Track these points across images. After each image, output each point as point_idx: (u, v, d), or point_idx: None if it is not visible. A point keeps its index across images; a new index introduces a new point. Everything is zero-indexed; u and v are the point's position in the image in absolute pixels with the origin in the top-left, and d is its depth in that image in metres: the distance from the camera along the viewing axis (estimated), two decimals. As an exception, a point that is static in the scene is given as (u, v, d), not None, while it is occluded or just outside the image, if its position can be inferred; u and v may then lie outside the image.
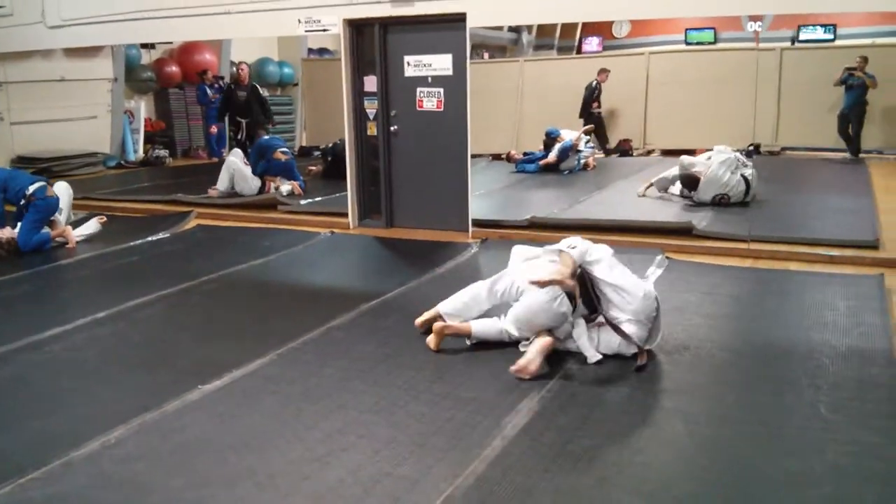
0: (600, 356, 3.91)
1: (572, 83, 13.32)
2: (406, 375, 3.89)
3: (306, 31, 7.43)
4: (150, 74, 14.44)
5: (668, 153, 12.47)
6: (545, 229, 6.95)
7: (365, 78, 7.41)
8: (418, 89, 7.20)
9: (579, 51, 21.71)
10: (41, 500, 2.80)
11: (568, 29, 21.07)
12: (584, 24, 20.72)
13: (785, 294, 5.28)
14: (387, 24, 7.17)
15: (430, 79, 7.14)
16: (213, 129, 13.91)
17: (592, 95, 12.76)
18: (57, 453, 3.10)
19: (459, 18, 6.71)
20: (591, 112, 12.75)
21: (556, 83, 13.62)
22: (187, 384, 3.81)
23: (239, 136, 11.68)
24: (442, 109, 7.15)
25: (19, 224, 6.82)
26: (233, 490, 2.87)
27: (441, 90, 7.11)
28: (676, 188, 8.41)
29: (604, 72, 12.76)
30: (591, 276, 3.94)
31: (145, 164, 13.63)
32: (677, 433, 3.24)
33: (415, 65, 7.17)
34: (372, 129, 7.48)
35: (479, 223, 7.21)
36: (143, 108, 14.42)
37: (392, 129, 7.40)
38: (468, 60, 6.89)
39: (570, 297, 3.92)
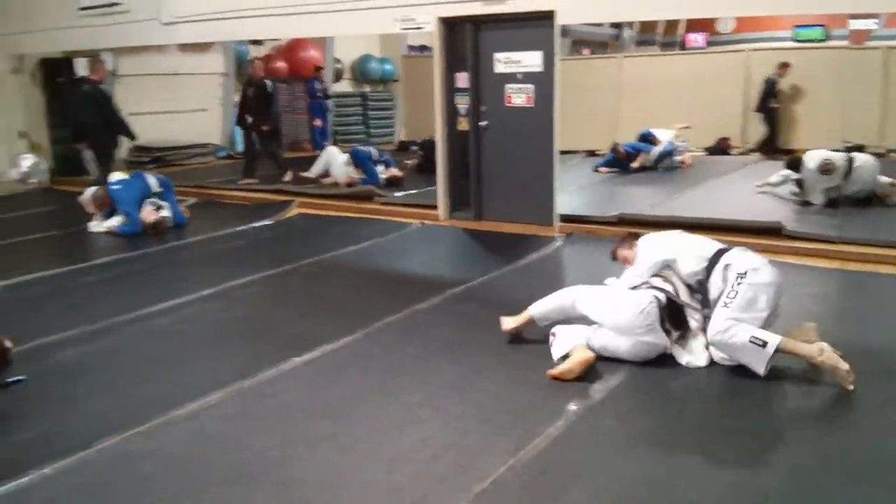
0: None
1: (673, 79, 13.20)
2: (481, 358, 4.11)
3: (402, 29, 7.72)
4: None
5: (768, 153, 12.23)
6: (633, 226, 7.01)
7: (457, 74, 7.64)
8: (507, 86, 7.39)
9: (683, 46, 21.36)
10: (143, 451, 3.17)
11: (672, 24, 20.78)
12: (689, 20, 20.35)
13: (870, 297, 5.24)
14: (479, 21, 7.38)
15: (519, 75, 7.32)
16: (318, 123, 14.46)
17: (771, 90, 12.34)
18: (159, 412, 3.48)
19: (549, 16, 6.85)
20: (769, 107, 12.39)
21: (656, 80, 13.51)
22: (282, 356, 4.16)
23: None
24: (531, 105, 7.31)
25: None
26: (315, 451, 3.16)
27: (531, 86, 7.28)
28: (785, 189, 8.27)
29: (784, 66, 12.27)
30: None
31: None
32: (739, 426, 3.34)
33: (505, 61, 7.36)
34: (463, 125, 7.72)
35: (566, 218, 7.35)
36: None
37: (482, 124, 7.62)
38: (557, 57, 7.03)
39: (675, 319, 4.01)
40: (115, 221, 7.60)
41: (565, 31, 18.97)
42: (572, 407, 3.49)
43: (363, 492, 2.85)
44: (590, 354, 3.85)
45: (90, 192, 7.92)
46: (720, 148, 12.80)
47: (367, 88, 17.14)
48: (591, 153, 13.16)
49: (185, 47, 12.90)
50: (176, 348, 4.43)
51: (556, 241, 6.76)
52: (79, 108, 9.27)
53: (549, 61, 7.12)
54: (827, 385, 3.65)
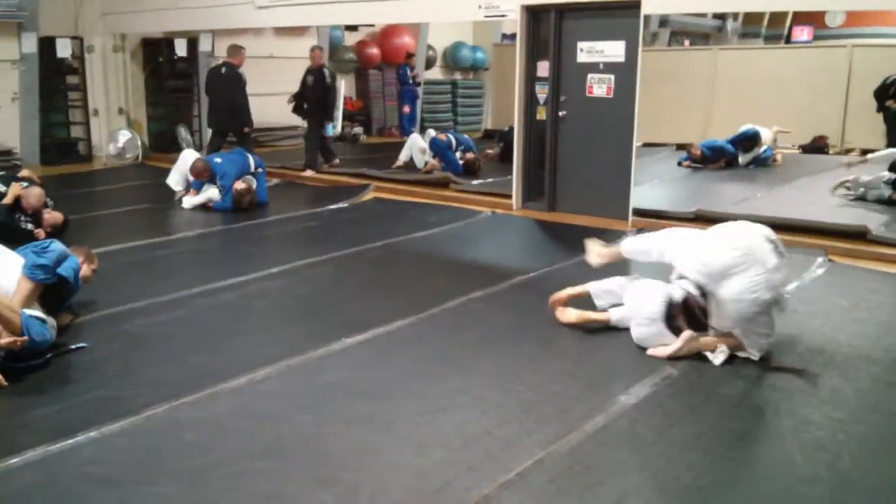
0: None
1: (770, 74, 12.72)
2: (530, 349, 4.09)
3: (485, 16, 7.71)
4: (352, 55, 15.32)
5: (867, 153, 11.64)
6: (711, 223, 6.80)
7: (538, 63, 7.57)
8: (589, 75, 7.28)
9: (788, 40, 20.54)
10: (187, 421, 3.28)
11: (777, 17, 19.98)
12: (796, 13, 19.54)
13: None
14: (563, 9, 7.29)
15: (601, 65, 7.20)
16: (406, 109, 14.59)
17: (887, 91, 11.66)
18: (208, 384, 3.59)
19: (635, 5, 6.71)
20: (886, 107, 11.80)
21: (752, 74, 13.05)
22: (334, 336, 4.23)
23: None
24: (611, 97, 7.19)
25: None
26: (350, 430, 3.21)
27: (612, 77, 7.15)
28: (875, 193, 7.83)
29: None
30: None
31: (342, 139, 14.53)
32: (784, 433, 3.22)
33: (587, 51, 7.25)
34: (541, 114, 7.65)
35: (641, 213, 7.20)
36: (344, 87, 15.32)
37: (561, 114, 7.53)
38: (640, 47, 6.87)
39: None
40: (211, 194, 7.85)
41: (664, 20, 18.56)
42: (615, 403, 3.43)
43: (389, 473, 2.87)
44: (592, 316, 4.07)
45: (189, 156, 8.23)
46: (816, 146, 12.27)
47: (457, 76, 17.17)
48: (682, 146, 12.82)
49: (281, 31, 13.20)
50: (236, 323, 4.56)
51: (626, 236, 6.61)
52: (220, 89, 9.56)
53: (632, 52, 6.98)
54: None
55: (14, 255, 4.07)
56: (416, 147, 10.41)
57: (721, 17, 19.51)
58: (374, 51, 15.44)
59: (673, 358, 3.88)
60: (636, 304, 4.13)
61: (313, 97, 10.10)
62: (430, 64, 16.05)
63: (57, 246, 4.12)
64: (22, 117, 10.89)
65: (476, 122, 16.87)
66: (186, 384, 3.60)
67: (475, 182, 9.22)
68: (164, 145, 12.20)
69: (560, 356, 4.00)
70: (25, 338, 3.66)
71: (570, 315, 4.39)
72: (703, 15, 18.42)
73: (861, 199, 7.85)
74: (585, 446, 3.07)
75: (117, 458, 2.99)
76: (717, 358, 3.86)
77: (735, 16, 19.64)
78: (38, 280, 3.93)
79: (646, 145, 13.02)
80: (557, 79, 7.49)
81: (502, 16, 7.62)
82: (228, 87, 9.46)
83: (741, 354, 3.92)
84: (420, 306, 4.72)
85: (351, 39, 15.50)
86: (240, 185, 7.71)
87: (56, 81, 11.35)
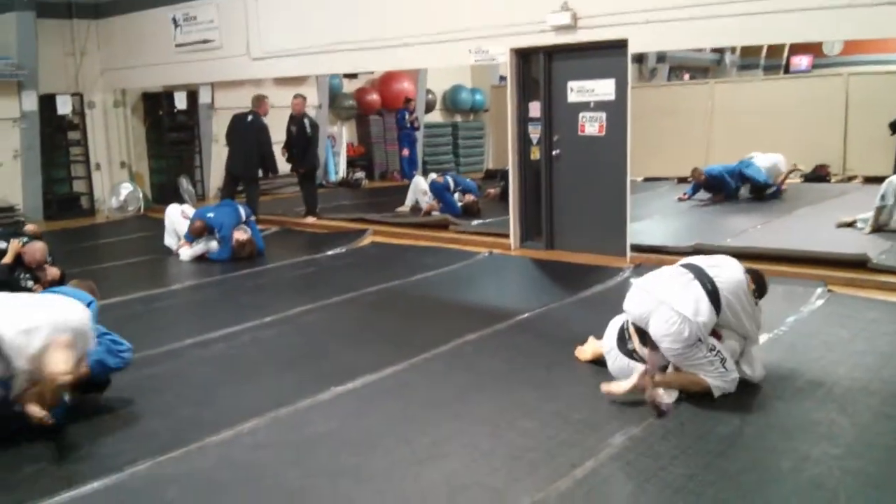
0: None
1: (768, 105, 12.74)
2: (522, 392, 4.01)
3: (476, 61, 7.76)
4: (352, 102, 15.46)
5: (870, 180, 11.57)
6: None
7: (530, 104, 7.59)
8: (581, 114, 7.29)
9: (787, 70, 20.63)
10: (171, 476, 3.23)
11: (776, 47, 20.08)
12: (793, 43, 19.64)
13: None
14: (551, 51, 7.33)
15: (592, 104, 7.21)
16: (406, 153, 14.67)
17: None
18: (195, 438, 3.54)
19: (621, 44, 6.73)
20: None
21: (749, 105, 13.07)
22: (323, 384, 4.17)
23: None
24: (603, 134, 7.18)
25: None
26: (335, 483, 3.14)
27: (603, 115, 7.16)
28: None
29: None
30: None
31: (344, 184, 14.62)
32: (781, 471, 3.12)
33: (578, 90, 7.27)
34: (535, 154, 7.65)
35: (639, 248, 7.15)
36: (345, 133, 15.45)
37: (554, 153, 7.53)
38: (629, 85, 6.89)
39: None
40: (209, 246, 7.87)
41: (661, 56, 18.69)
42: (607, 446, 3.35)
43: (371, 528, 2.81)
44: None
45: (172, 211, 8.31)
46: (818, 175, 12.22)
47: (458, 118, 17.29)
48: (683, 180, 12.82)
49: (280, 81, 13.31)
50: (227, 374, 4.51)
51: (624, 272, 6.57)
52: (243, 136, 9.72)
53: (621, 89, 6.99)
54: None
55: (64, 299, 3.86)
56: (419, 190, 10.43)
57: (719, 50, 19.64)
58: (374, 97, 15.58)
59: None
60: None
61: (298, 145, 10.19)
62: (430, 107, 16.17)
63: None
64: (24, 174, 10.99)
65: (478, 162, 16.93)
66: (172, 438, 3.55)
67: (474, 223, 9.21)
68: (166, 196, 12.24)
69: (552, 399, 3.92)
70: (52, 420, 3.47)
71: (586, 353, 4.38)
72: (701, 49, 18.53)
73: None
74: (576, 492, 2.99)
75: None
76: (665, 398, 3.76)
77: (733, 49, 19.76)
78: (92, 374, 3.80)
79: (647, 180, 13.05)
80: (549, 118, 7.51)
81: (492, 60, 7.66)
82: (254, 136, 9.64)
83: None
84: (412, 351, 4.66)
85: (351, 86, 15.65)
86: (241, 236, 7.72)
87: (57, 137, 11.48)
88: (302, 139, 10.19)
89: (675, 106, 13.45)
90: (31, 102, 10.82)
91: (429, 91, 15.90)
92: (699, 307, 3.69)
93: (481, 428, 3.61)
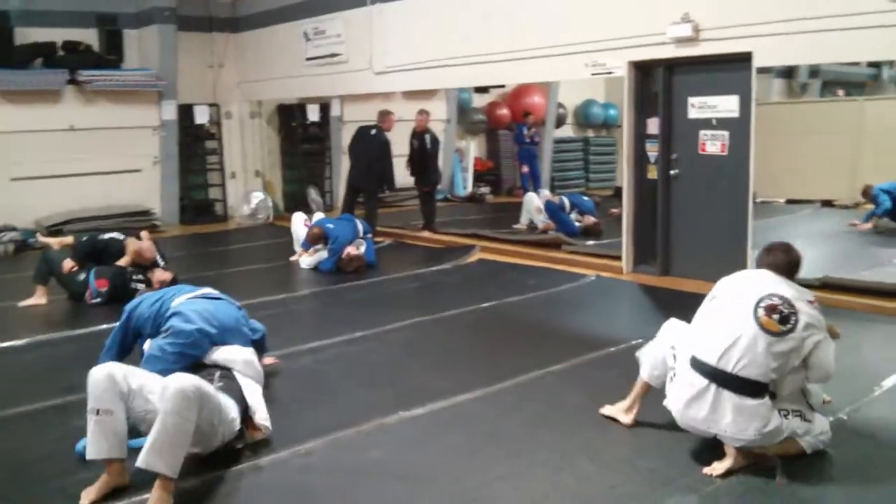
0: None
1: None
2: (594, 434, 3.72)
3: (592, 74, 7.45)
4: (482, 117, 15.40)
5: None
6: (839, 291, 6.19)
7: (648, 120, 7.22)
8: (701, 132, 6.85)
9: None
10: (213, 498, 3.17)
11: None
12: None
13: None
14: (672, 65, 6.94)
15: (714, 121, 6.75)
16: (525, 169, 14.43)
17: None
18: (249, 457, 3.49)
19: (746, 57, 6.26)
20: None
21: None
22: (392, 408, 4.06)
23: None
24: (725, 154, 6.71)
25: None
26: (375, 516, 3.00)
27: (725, 133, 6.69)
28: None
29: None
30: None
31: (469, 199, 14.55)
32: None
33: (699, 106, 6.84)
34: (652, 173, 7.26)
35: (762, 278, 6.60)
36: (473, 147, 15.39)
37: (672, 172, 7.12)
38: (753, 102, 6.41)
39: None
40: (321, 256, 7.98)
41: (814, 71, 17.52)
42: (688, 497, 3.03)
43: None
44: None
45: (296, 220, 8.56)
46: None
47: (589, 133, 16.88)
48: (827, 203, 11.95)
49: (409, 95, 13.44)
50: (302, 391, 4.44)
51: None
52: (365, 150, 9.83)
53: (745, 106, 6.51)
54: None
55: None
56: (533, 207, 10.20)
57: (875, 64, 18.19)
58: (504, 111, 15.46)
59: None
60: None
61: (419, 161, 10.24)
62: (561, 122, 15.86)
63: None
64: (162, 180, 11.59)
65: (609, 179, 16.42)
66: (226, 457, 3.50)
67: (590, 243, 8.88)
68: (296, 206, 12.57)
69: (622, 444, 3.61)
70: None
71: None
72: (857, 63, 17.22)
73: None
74: (625, 554, 2.71)
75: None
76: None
77: (891, 63, 18.26)
78: None
79: (790, 202, 12.24)
80: (668, 136, 7.10)
81: (609, 73, 7.34)
82: (376, 150, 9.68)
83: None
84: (490, 379, 4.47)
85: (482, 101, 15.60)
86: (351, 252, 7.75)
87: (195, 146, 12.04)
88: (423, 154, 10.25)
89: (822, 124, 12.52)
90: (170, 112, 11.40)
91: (560, 105, 15.59)
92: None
93: (540, 470, 3.36)
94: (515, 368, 4.64)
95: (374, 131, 9.83)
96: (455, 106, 14.76)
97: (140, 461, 2.97)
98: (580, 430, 3.76)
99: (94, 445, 3.12)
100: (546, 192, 10.57)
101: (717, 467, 3.26)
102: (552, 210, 9.81)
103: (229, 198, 12.49)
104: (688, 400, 3.30)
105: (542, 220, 9.96)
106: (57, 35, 10.62)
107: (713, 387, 3.23)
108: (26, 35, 10.44)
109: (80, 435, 3.62)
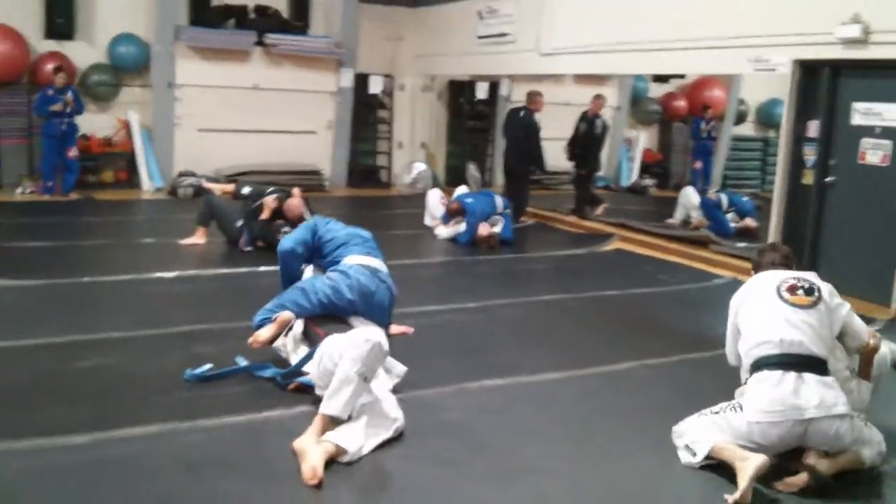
0: None
1: None
2: (662, 432, 3.62)
3: (754, 70, 7.15)
4: (657, 107, 15.03)
5: None
6: None
7: (808, 123, 6.84)
8: (863, 140, 6.41)
9: None
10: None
11: None
12: None
13: None
14: (838, 66, 6.52)
15: (877, 129, 6.31)
16: (698, 165, 13.93)
17: None
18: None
19: (920, 63, 5.81)
20: None
21: None
22: (476, 376, 4.21)
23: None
24: (887, 165, 6.26)
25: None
26: (422, 469, 3.16)
27: (890, 143, 6.23)
28: None
29: None
30: None
31: (631, 190, 14.28)
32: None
33: (863, 112, 6.40)
34: (808, 178, 6.89)
35: (914, 301, 6.16)
36: (643, 138, 15.06)
37: (828, 179, 6.72)
38: (923, 111, 5.93)
39: None
40: (459, 229, 8.23)
41: None
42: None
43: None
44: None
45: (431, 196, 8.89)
46: None
47: (770, 133, 16.01)
48: None
49: (581, 79, 13.37)
50: (396, 350, 4.53)
51: (874, 325, 5.69)
52: (513, 131, 9.89)
53: (915, 116, 6.04)
54: None
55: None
56: (690, 204, 9.91)
57: None
58: (682, 103, 14.99)
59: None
60: None
61: (583, 145, 10.09)
62: (740, 119, 15.15)
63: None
64: (334, 143, 12.24)
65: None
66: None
67: (741, 245, 8.53)
68: (456, 180, 12.91)
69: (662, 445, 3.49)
70: None
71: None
72: None
73: None
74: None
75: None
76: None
77: None
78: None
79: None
80: (828, 141, 6.70)
81: (772, 69, 7.00)
82: (524, 131, 9.64)
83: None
84: (580, 363, 4.52)
85: (659, 90, 15.20)
86: (483, 231, 7.93)
87: (367, 114, 12.61)
88: (588, 139, 10.15)
89: None
90: (347, 79, 11.99)
91: (741, 101, 14.89)
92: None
93: (595, 457, 3.37)
94: (609, 356, 4.65)
95: (521, 112, 9.80)
96: (628, 93, 14.51)
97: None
98: (649, 427, 3.67)
99: (348, 405, 3.27)
100: (689, 189, 10.21)
101: (792, 482, 3.13)
102: (708, 207, 9.50)
103: (394, 166, 13.00)
104: (769, 393, 3.15)
105: (696, 216, 9.68)
106: (249, -1, 11.47)
107: (790, 373, 3.16)
108: (225, -2, 11.38)
109: (197, 361, 4.10)
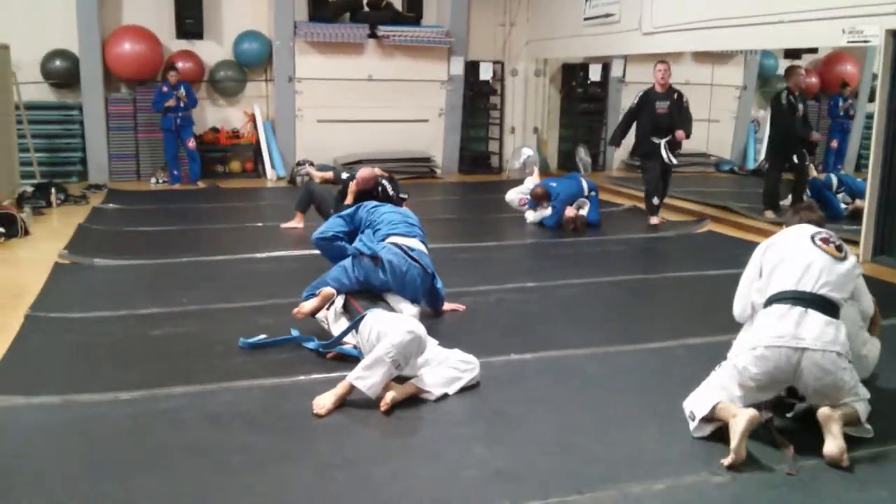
0: None
1: None
2: (659, 403, 3.68)
3: (849, 42, 6.80)
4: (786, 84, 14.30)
5: None
6: None
7: (906, 95, 6.46)
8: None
9: None
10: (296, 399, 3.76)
11: None
12: None
13: None
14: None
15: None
16: (834, 144, 13.23)
17: None
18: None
19: None
20: None
21: None
22: (506, 350, 4.35)
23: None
24: None
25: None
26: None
27: None
28: None
29: None
30: None
31: (756, 172, 13.70)
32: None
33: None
34: (906, 154, 6.51)
35: None
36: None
37: (926, 155, 6.32)
38: None
39: None
40: (545, 213, 8.34)
41: None
42: (715, 475, 3.00)
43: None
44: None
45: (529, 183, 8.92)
46: None
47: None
48: None
49: (700, 58, 13.00)
50: (440, 325, 4.82)
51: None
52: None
53: None
54: None
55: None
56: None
57: None
58: (814, 80, 14.23)
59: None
60: None
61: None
62: (873, 96, 14.18)
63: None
64: (446, 130, 12.55)
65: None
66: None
67: (851, 227, 8.11)
68: (568, 164, 12.95)
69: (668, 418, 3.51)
70: None
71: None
72: None
73: None
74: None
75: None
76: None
77: None
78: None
79: None
80: (924, 114, 6.30)
81: (866, 41, 6.64)
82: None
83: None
84: (617, 340, 4.57)
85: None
86: (569, 213, 7.99)
87: (478, 101, 12.82)
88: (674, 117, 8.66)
89: None
90: (458, 67, 12.27)
91: (875, 76, 13.92)
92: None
93: (610, 428, 3.43)
94: (650, 335, 4.67)
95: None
96: (755, 71, 13.95)
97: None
98: (663, 400, 3.67)
99: (378, 386, 3.54)
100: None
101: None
102: (817, 188, 9.07)
103: (506, 152, 13.15)
104: (773, 324, 3.25)
105: (805, 196, 9.26)
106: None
107: (797, 307, 3.25)
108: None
109: (258, 331, 4.49)
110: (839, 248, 3.44)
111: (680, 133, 8.19)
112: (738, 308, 3.65)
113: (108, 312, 5.04)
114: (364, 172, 7.28)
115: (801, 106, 8.65)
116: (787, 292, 3.31)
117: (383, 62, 11.98)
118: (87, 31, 10.51)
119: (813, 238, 3.45)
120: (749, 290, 3.58)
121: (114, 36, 10.70)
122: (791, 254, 3.43)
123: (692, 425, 3.35)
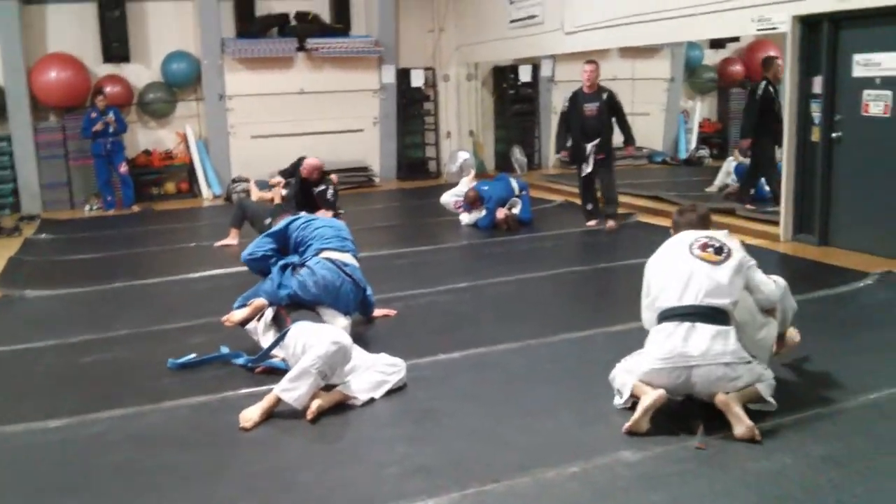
0: None
1: None
2: (599, 391, 3.79)
3: (758, 30, 7.06)
4: (713, 75, 14.70)
5: None
6: None
7: (813, 79, 6.70)
8: (864, 92, 6.25)
9: None
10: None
11: None
12: None
13: None
14: (837, 19, 6.37)
15: (877, 80, 6.14)
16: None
17: None
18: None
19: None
20: None
21: None
22: (434, 351, 4.43)
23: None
24: (889, 115, 6.09)
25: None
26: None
27: (890, 93, 6.06)
28: None
29: None
30: None
31: (688, 162, 14.00)
32: None
33: (863, 64, 6.23)
34: (816, 135, 6.75)
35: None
36: (699, 108, 14.73)
37: (834, 135, 6.57)
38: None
39: None
40: (478, 215, 8.45)
41: None
42: (626, 454, 3.12)
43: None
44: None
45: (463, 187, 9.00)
46: None
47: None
48: None
49: (627, 53, 13.26)
50: (368, 330, 4.92)
51: (867, 279, 5.58)
52: None
53: (914, 63, 5.85)
54: None
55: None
56: (728, 168, 9.78)
57: None
58: (738, 67, 14.62)
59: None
60: None
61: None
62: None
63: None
64: (381, 139, 12.62)
65: None
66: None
67: (770, 209, 8.38)
68: (504, 165, 13.09)
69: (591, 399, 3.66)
70: None
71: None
72: None
73: None
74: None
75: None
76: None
77: None
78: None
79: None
80: (832, 96, 6.56)
81: (774, 28, 6.88)
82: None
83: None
84: (541, 333, 4.68)
85: (717, 57, 14.84)
86: (500, 214, 8.12)
87: (412, 107, 12.91)
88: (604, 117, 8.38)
89: None
90: (389, 76, 12.35)
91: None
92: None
93: (527, 417, 3.55)
94: (575, 326, 4.81)
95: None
96: (682, 63, 14.25)
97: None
98: (582, 387, 3.84)
99: (305, 397, 3.59)
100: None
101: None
102: (740, 174, 9.34)
103: (442, 156, 13.26)
104: (661, 343, 3.38)
105: (731, 182, 9.54)
106: (291, 6, 11.93)
107: (685, 323, 3.36)
108: (269, 7, 11.88)
109: (189, 350, 4.49)
110: (719, 251, 3.48)
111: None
112: (643, 321, 3.74)
113: (38, 343, 4.99)
114: (311, 161, 7.39)
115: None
116: (672, 309, 3.41)
117: (314, 74, 12.00)
118: (11, 61, 10.35)
119: (691, 247, 3.51)
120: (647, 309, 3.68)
121: (39, 64, 10.54)
122: (670, 267, 3.52)
123: (617, 400, 3.54)
